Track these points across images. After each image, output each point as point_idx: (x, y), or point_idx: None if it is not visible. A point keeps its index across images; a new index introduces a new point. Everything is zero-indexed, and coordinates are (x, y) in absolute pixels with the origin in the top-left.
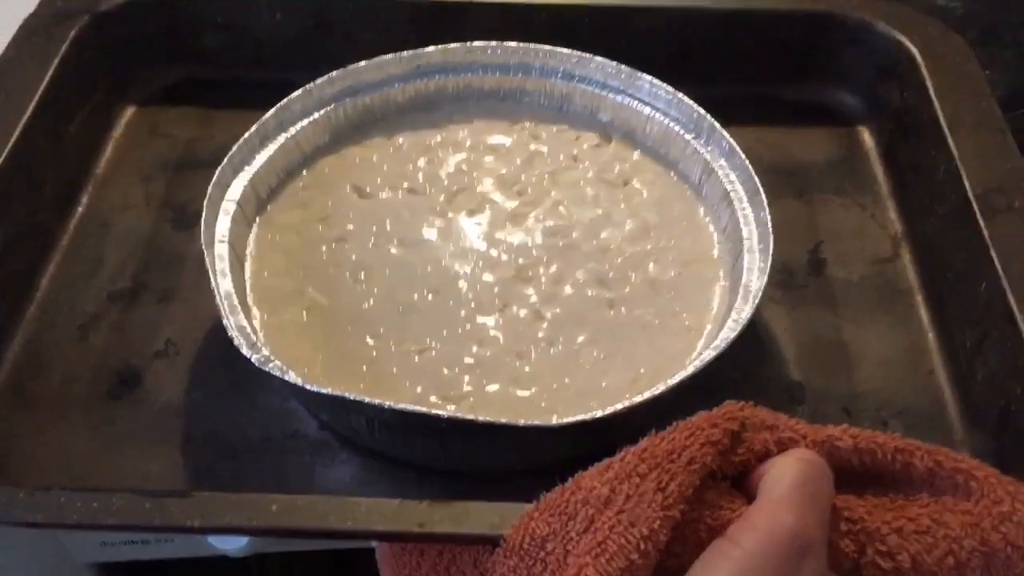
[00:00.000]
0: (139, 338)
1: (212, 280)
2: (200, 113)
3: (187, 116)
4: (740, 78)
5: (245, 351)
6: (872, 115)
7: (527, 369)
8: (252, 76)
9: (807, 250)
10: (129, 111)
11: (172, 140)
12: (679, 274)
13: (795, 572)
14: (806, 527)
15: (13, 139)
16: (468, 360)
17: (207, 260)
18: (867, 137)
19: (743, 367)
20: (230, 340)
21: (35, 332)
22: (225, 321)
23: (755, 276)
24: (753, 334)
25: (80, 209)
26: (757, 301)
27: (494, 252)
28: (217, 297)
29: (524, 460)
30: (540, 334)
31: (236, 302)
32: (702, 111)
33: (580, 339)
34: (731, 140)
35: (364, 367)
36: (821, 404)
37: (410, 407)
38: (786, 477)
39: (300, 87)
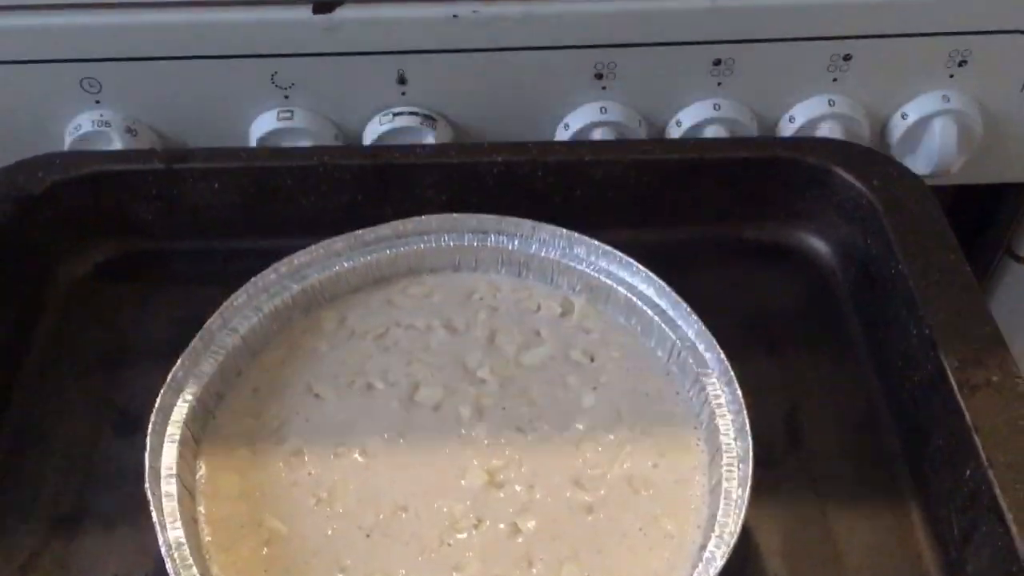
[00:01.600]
0: None
1: (159, 534)
2: (137, 290)
3: (123, 296)
4: (702, 221)
5: None
6: (841, 259)
7: None
8: (191, 246)
9: (782, 417)
10: (60, 295)
11: (108, 327)
12: (656, 466)
13: None
14: None
15: None
16: None
17: (153, 510)
18: (838, 282)
19: (726, 567)
20: None
21: None
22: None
23: (735, 478)
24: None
25: (14, 419)
26: (742, 519)
27: (463, 455)
28: (167, 561)
29: None
30: (518, 553)
31: (187, 551)
32: (667, 287)
33: (560, 557)
34: (699, 322)
35: None
36: None
37: None
38: None
39: (243, 255)
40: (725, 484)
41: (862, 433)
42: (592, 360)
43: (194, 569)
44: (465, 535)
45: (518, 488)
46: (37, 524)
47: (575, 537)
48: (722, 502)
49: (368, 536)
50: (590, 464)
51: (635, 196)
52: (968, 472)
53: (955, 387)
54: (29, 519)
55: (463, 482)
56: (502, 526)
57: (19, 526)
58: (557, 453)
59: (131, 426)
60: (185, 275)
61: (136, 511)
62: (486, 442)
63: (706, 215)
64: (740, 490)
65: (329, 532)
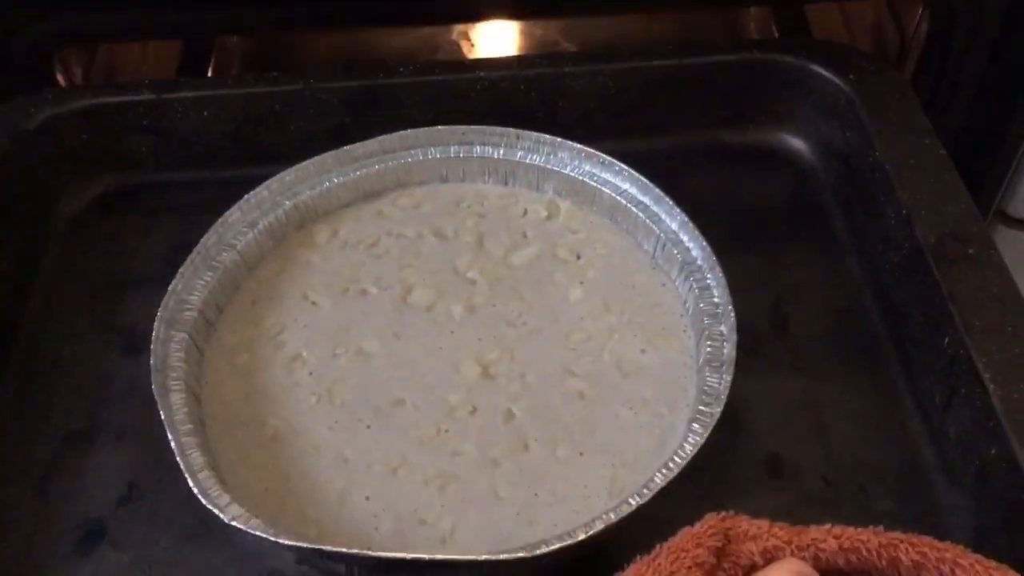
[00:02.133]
0: (100, 485)
1: (169, 436)
2: (135, 221)
3: (122, 227)
4: (685, 128)
5: (216, 511)
6: (821, 156)
7: (503, 479)
8: (185, 176)
9: (768, 307)
10: (62, 230)
11: (110, 256)
12: (644, 351)
13: None
14: None
15: None
16: (441, 474)
17: (163, 417)
18: (819, 178)
19: (718, 443)
20: None
21: None
22: (191, 482)
23: (724, 355)
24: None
25: (23, 345)
26: (726, 395)
27: (456, 349)
28: (177, 454)
29: None
30: (513, 436)
31: (199, 452)
32: (651, 183)
33: (554, 438)
34: (682, 213)
35: (336, 495)
36: (802, 477)
37: (390, 555)
38: None
39: (237, 183)
40: (711, 365)
41: (846, 317)
42: (578, 258)
43: (205, 468)
44: (462, 423)
45: (511, 378)
46: (51, 441)
47: (568, 420)
48: (708, 381)
49: (368, 427)
50: (580, 353)
51: (616, 106)
52: (947, 340)
53: (931, 262)
54: (44, 436)
55: (458, 375)
56: (497, 413)
57: (35, 443)
58: (547, 344)
59: (137, 346)
60: (180, 204)
61: (146, 424)
62: (479, 338)
63: (687, 122)
64: (725, 369)
65: (330, 427)
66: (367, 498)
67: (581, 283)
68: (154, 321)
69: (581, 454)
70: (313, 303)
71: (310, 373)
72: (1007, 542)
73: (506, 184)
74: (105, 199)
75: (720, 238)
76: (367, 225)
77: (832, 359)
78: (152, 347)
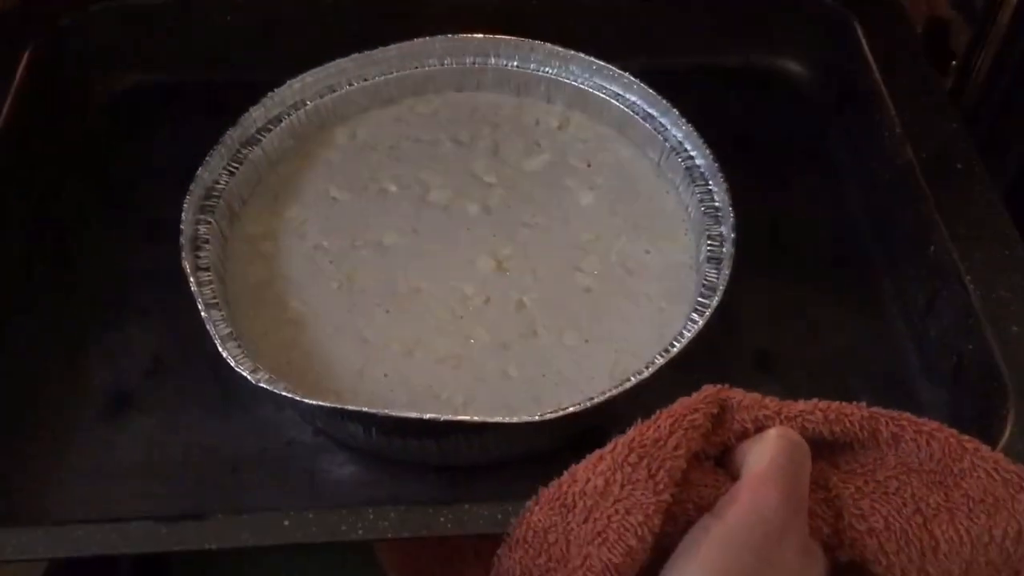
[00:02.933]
0: (127, 358)
1: (199, 305)
2: (161, 119)
3: (148, 123)
4: (688, 50)
5: (243, 372)
6: (820, 83)
7: (514, 359)
8: (207, 78)
9: (767, 223)
10: (90, 124)
11: (135, 150)
12: (648, 252)
13: (777, 545)
14: (788, 501)
15: None
16: (455, 355)
17: (193, 288)
18: (818, 104)
19: (713, 339)
20: (219, 355)
21: (24, 360)
22: (219, 347)
23: (723, 252)
24: (721, 305)
25: (54, 232)
26: (723, 288)
27: (473, 246)
28: (207, 322)
29: (516, 451)
30: (523, 323)
31: (225, 325)
32: (656, 94)
33: (561, 326)
34: (688, 124)
35: (355, 371)
36: (789, 371)
37: (404, 413)
38: (767, 455)
39: (257, 88)
40: (710, 261)
41: (838, 231)
42: (588, 165)
43: (232, 341)
44: (475, 310)
45: (523, 272)
46: (80, 317)
47: (574, 310)
48: (707, 276)
49: (387, 312)
50: (587, 251)
51: (625, 27)
52: (932, 248)
53: (920, 177)
54: (73, 313)
55: (473, 267)
56: (509, 303)
57: (65, 320)
58: (557, 243)
59: (160, 233)
60: (204, 104)
61: (171, 304)
62: (493, 235)
63: (692, 45)
64: (724, 264)
65: (349, 310)
66: (384, 375)
67: (590, 188)
68: (177, 211)
69: (586, 341)
70: (334, 198)
71: (331, 261)
72: (979, 431)
73: (518, 94)
74: (132, 98)
75: (722, 158)
76: (386, 129)
77: (824, 268)
78: (182, 226)
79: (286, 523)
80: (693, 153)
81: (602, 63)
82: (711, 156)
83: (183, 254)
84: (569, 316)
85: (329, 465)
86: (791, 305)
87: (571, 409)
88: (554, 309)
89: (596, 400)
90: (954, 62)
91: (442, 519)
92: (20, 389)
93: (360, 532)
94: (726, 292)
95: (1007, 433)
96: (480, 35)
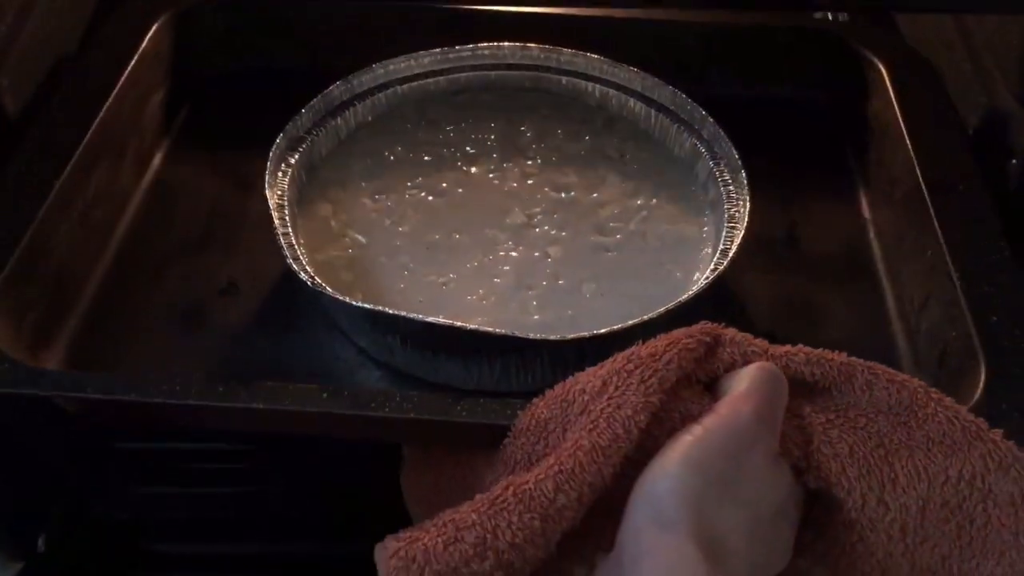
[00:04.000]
0: (205, 280)
1: (275, 224)
2: (257, 98)
3: (246, 102)
4: (720, 80)
5: (303, 277)
6: (843, 115)
7: (535, 300)
8: (300, 66)
9: (784, 230)
10: (197, 97)
11: (233, 122)
12: (667, 231)
13: (747, 451)
14: (760, 417)
15: (102, 112)
16: (484, 290)
17: (271, 205)
18: (839, 134)
19: (720, 318)
20: (284, 282)
21: (113, 274)
22: (288, 259)
23: (736, 237)
24: (732, 292)
25: (151, 176)
26: (733, 254)
27: (508, 203)
28: (279, 239)
29: (533, 380)
30: (547, 270)
31: (293, 243)
32: (693, 103)
33: (581, 278)
34: (718, 127)
35: (396, 296)
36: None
37: (438, 320)
38: (747, 379)
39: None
40: (723, 244)
41: (848, 239)
42: (622, 156)
43: (297, 254)
44: (504, 256)
45: (550, 228)
46: (169, 244)
47: (594, 266)
48: (717, 255)
49: (427, 249)
50: (611, 219)
51: (675, 53)
52: (929, 252)
53: (925, 191)
54: (163, 240)
55: (505, 221)
56: (535, 253)
57: (154, 244)
58: (584, 210)
59: (249, 186)
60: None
61: (250, 242)
62: (527, 197)
63: (726, 74)
64: (734, 245)
65: (398, 243)
66: (420, 300)
67: (620, 173)
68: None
69: (602, 294)
70: (396, 157)
71: (387, 205)
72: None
73: (573, 99)
74: (233, 80)
75: (747, 174)
76: (450, 111)
77: (833, 273)
78: (268, 164)
79: (324, 395)
80: (721, 158)
81: (636, 69)
82: (734, 151)
83: (266, 189)
84: (589, 271)
85: (366, 379)
86: (799, 298)
87: (584, 334)
88: (575, 264)
89: (602, 331)
90: (1014, 160)
91: (459, 408)
92: (112, 299)
93: (387, 410)
94: (738, 281)
95: (975, 398)
96: (541, 46)
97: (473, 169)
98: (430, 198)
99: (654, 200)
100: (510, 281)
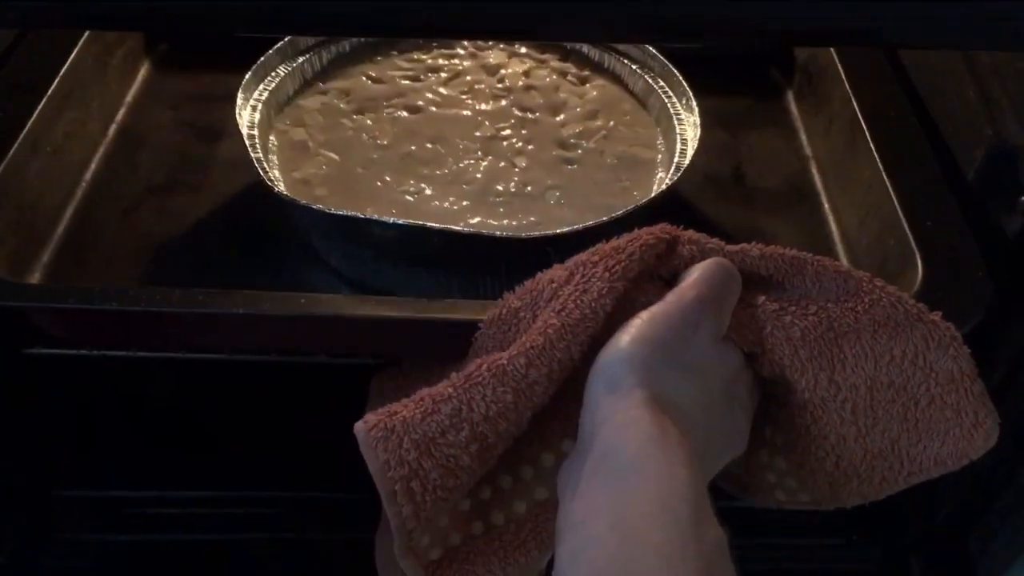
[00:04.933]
0: (175, 215)
1: (246, 142)
2: (215, 61)
3: (204, 62)
4: None
5: (278, 189)
6: (784, 63)
7: (502, 205)
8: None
9: (731, 167)
10: (159, 53)
11: (193, 80)
12: (625, 152)
13: (693, 327)
14: (703, 300)
15: (68, 63)
16: (455, 196)
17: (242, 128)
18: (783, 84)
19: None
20: (256, 207)
21: (84, 212)
22: (261, 173)
23: (688, 154)
24: (685, 220)
25: (116, 126)
26: (684, 165)
27: (479, 119)
28: (251, 154)
29: (502, 290)
30: (514, 177)
31: (264, 162)
32: (648, 47)
33: (544, 185)
34: (669, 64)
35: (371, 207)
36: None
37: (409, 221)
38: (698, 271)
39: None
40: (675, 161)
41: (794, 178)
42: (583, 83)
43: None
44: (474, 163)
45: (517, 141)
46: (136, 186)
47: (557, 175)
48: (671, 171)
49: (402, 159)
50: (572, 137)
51: None
52: (866, 173)
53: (862, 121)
54: (131, 183)
55: (477, 133)
56: (502, 162)
57: (122, 187)
58: (548, 130)
59: (212, 137)
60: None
61: (217, 184)
62: (497, 117)
63: None
64: (687, 159)
65: (375, 156)
66: (393, 211)
67: (580, 98)
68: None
69: (563, 202)
70: (374, 81)
71: (367, 122)
72: None
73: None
74: (191, 41)
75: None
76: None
77: (779, 203)
78: (238, 96)
79: (302, 300)
80: (672, 94)
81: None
82: (686, 87)
83: (237, 116)
84: (553, 178)
85: None
86: (748, 225)
87: (548, 232)
88: (540, 173)
89: (562, 230)
90: (1023, 198)
91: (434, 306)
92: (84, 235)
93: (367, 310)
94: (692, 208)
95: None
96: None
97: (447, 92)
98: (406, 114)
99: (612, 124)
100: (479, 184)
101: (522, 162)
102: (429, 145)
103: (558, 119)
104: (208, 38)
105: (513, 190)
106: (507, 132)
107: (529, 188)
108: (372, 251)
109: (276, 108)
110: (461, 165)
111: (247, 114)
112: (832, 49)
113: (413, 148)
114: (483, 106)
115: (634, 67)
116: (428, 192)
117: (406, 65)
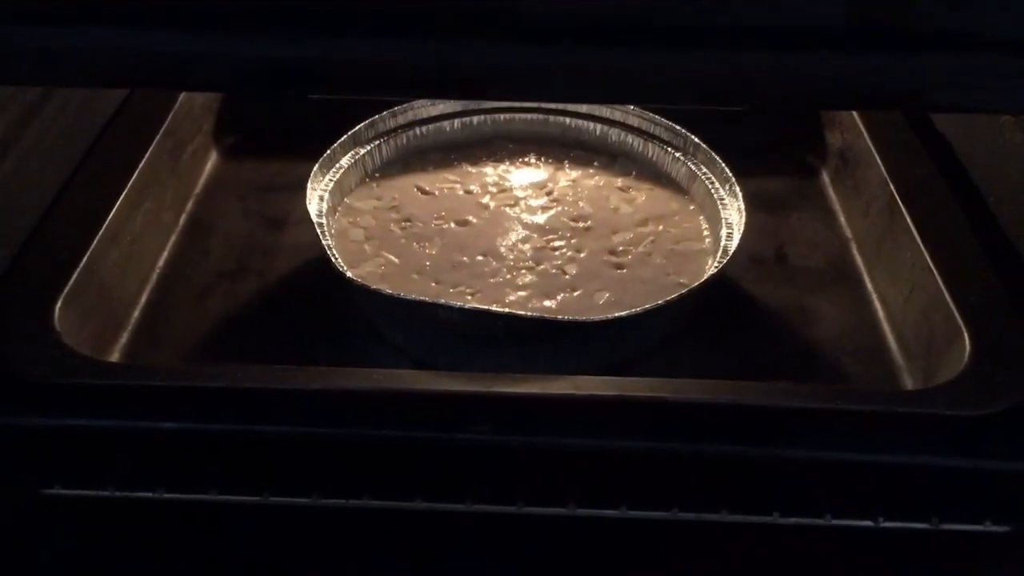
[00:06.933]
0: (246, 303)
1: (317, 230)
2: (279, 152)
3: (270, 154)
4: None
5: (349, 275)
6: (820, 151)
7: (555, 308)
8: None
9: (773, 249)
10: (226, 145)
11: (259, 171)
12: (673, 249)
13: None
14: None
15: (144, 159)
16: (509, 300)
17: (312, 215)
18: (818, 168)
19: (724, 318)
20: (322, 297)
21: (159, 297)
22: (332, 260)
23: (734, 239)
24: (732, 297)
25: (186, 217)
26: (732, 249)
27: (528, 232)
28: (323, 241)
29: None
30: (565, 283)
31: (334, 252)
32: (688, 133)
33: (595, 290)
34: (712, 152)
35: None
36: (787, 344)
37: (476, 306)
38: None
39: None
40: (722, 249)
41: (835, 258)
42: (629, 190)
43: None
44: (525, 272)
45: (567, 251)
46: (208, 272)
47: (607, 279)
48: (716, 263)
49: (454, 267)
50: (622, 243)
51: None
52: (908, 254)
53: (899, 201)
54: (202, 269)
55: (527, 244)
56: (553, 270)
57: (194, 273)
58: (598, 236)
59: (278, 225)
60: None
61: (285, 271)
62: (547, 226)
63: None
64: (734, 244)
65: (428, 263)
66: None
67: (630, 204)
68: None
69: (614, 301)
70: (422, 192)
71: (415, 232)
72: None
73: (580, 141)
74: (258, 135)
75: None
76: (472, 152)
77: (821, 281)
78: (307, 189)
79: (376, 376)
80: (716, 181)
81: (647, 112)
82: (729, 171)
83: (307, 200)
84: (602, 283)
85: None
86: (792, 304)
87: (607, 316)
88: (590, 278)
89: (620, 314)
90: None
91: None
92: (160, 317)
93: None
94: (735, 288)
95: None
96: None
97: (496, 204)
98: (456, 227)
99: (661, 226)
100: (532, 292)
101: (571, 268)
102: (480, 256)
103: (607, 227)
104: (271, 130)
105: (565, 294)
106: (557, 242)
107: (580, 292)
108: (437, 331)
109: (338, 200)
110: (513, 275)
111: (315, 204)
112: (864, 131)
113: (465, 258)
114: (532, 219)
115: (677, 154)
116: (483, 293)
117: (450, 179)
